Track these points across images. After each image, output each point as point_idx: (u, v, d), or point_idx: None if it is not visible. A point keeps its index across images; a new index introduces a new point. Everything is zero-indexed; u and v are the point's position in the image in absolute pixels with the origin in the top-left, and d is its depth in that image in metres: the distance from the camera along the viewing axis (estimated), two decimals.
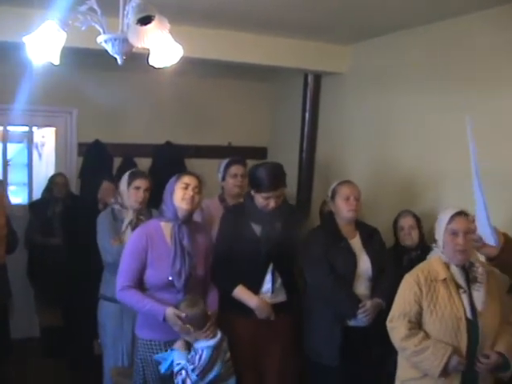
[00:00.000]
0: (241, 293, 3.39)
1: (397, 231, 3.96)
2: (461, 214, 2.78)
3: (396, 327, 2.80)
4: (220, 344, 3.12)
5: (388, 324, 2.86)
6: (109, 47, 2.47)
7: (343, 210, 3.52)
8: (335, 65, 5.17)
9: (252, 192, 3.45)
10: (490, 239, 2.11)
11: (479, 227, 2.12)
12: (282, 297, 3.48)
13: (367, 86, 4.94)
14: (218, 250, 3.47)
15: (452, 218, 2.77)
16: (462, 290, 2.76)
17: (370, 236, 3.61)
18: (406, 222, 3.89)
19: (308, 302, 3.58)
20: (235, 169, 4.14)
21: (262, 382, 3.49)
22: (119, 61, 2.52)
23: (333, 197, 3.59)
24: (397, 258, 3.76)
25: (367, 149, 4.94)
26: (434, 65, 4.21)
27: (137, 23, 2.31)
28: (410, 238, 3.86)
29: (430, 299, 2.74)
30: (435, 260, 2.86)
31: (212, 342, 3.08)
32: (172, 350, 3.12)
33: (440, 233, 2.83)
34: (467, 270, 2.80)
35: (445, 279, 2.76)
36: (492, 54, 3.75)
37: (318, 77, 5.39)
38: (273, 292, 3.43)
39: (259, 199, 3.40)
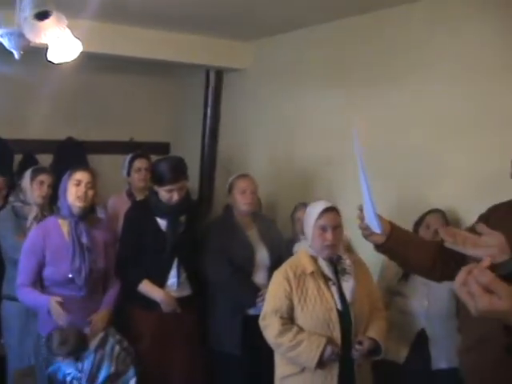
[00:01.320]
0: (146, 287, 3.41)
1: (294, 223, 4.09)
2: (331, 209, 2.81)
3: (269, 325, 2.79)
4: (101, 344, 3.10)
5: (261, 322, 2.85)
6: (5, 42, 2.46)
7: (240, 202, 3.61)
8: (237, 61, 5.20)
9: (155, 187, 3.46)
10: (376, 227, 2.24)
11: (366, 216, 2.24)
12: (187, 291, 3.52)
13: (270, 82, 4.99)
14: (122, 245, 3.48)
15: (321, 213, 2.79)
16: (331, 282, 2.77)
17: (267, 227, 3.73)
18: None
19: (210, 294, 3.63)
20: (139, 163, 4.18)
21: (168, 375, 3.50)
22: (16, 56, 2.50)
23: (230, 190, 3.67)
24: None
25: (269, 144, 5.01)
26: (336, 62, 4.30)
27: (34, 18, 2.31)
28: None
29: (300, 294, 2.75)
30: (302, 253, 2.89)
31: (92, 347, 3.06)
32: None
33: (309, 226, 2.84)
34: (335, 262, 2.84)
35: (312, 272, 2.78)
36: (394, 51, 3.85)
37: (219, 73, 5.42)
38: (178, 286, 3.47)
39: (162, 193, 3.41)
